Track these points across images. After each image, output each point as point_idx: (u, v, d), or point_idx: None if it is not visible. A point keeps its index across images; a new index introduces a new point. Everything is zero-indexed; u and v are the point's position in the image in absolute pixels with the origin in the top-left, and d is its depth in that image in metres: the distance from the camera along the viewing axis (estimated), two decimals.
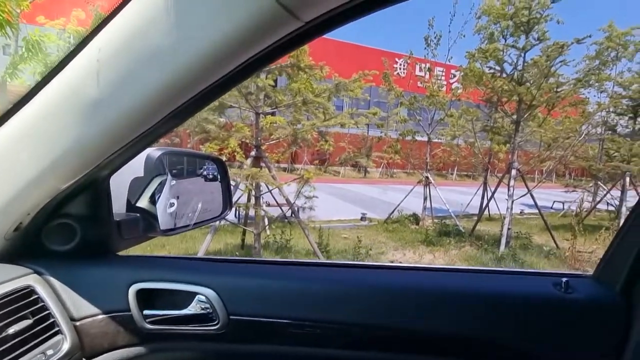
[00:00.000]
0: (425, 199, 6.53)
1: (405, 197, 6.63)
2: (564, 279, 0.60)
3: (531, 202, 5.62)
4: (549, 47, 4.05)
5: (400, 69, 14.80)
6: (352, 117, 4.83)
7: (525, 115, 4.50)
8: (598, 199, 8.16)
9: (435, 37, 5.68)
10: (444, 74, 9.55)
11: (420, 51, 6.17)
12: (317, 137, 4.85)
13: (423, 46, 5.88)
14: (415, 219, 6.78)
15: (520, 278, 0.68)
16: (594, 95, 6.71)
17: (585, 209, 7.66)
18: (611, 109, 6.45)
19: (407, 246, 5.18)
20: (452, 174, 17.27)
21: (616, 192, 7.21)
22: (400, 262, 4.37)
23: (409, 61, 7.69)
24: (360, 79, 3.70)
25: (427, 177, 6.19)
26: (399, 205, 6.69)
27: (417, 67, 9.03)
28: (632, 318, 0.56)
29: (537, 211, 5.51)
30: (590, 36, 4.04)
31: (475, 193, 8.23)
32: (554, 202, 9.43)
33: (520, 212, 8.65)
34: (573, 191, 8.18)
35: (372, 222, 6.90)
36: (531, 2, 4.11)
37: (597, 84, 6.45)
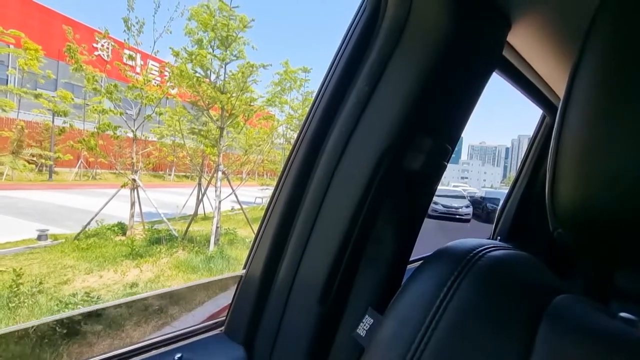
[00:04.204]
0: (133, 204, 5.72)
1: (106, 203, 5.51)
2: (178, 355, 0.50)
3: (242, 199, 6.37)
4: (244, 65, 4.68)
5: (104, 50, 12.41)
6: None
7: (228, 123, 4.97)
8: None
9: (137, 23, 5.04)
10: (158, 68, 8.96)
11: (120, 34, 5.31)
12: None
13: (122, 28, 5.06)
14: (122, 228, 5.81)
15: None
16: (278, 113, 8.73)
17: None
18: (287, 126, 8.58)
19: (107, 265, 4.27)
20: (170, 174, 16.68)
21: None
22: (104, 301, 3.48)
23: (114, 44, 6.55)
24: None
25: (134, 180, 5.44)
26: (97, 214, 5.45)
27: (128, 54, 7.97)
28: None
29: (244, 207, 6.34)
30: (271, 65, 5.04)
31: (191, 194, 8.32)
32: (256, 197, 11.35)
33: (232, 209, 9.69)
34: (266, 189, 10.16)
35: (57, 241, 5.19)
36: (229, 21, 4.55)
37: (279, 105, 8.27)
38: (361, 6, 0.52)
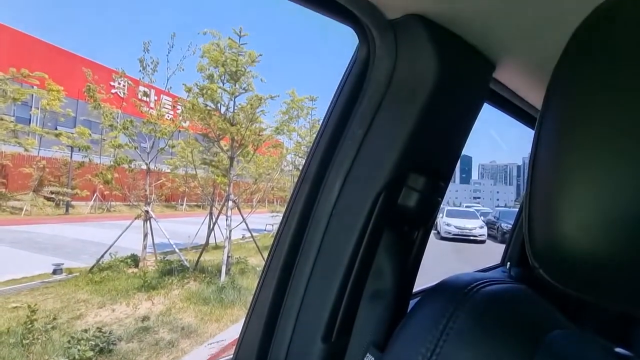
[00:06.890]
0: (145, 235, 5.79)
1: (120, 236, 5.59)
2: None
3: (252, 227, 6.40)
4: (252, 97, 4.88)
5: (120, 88, 13.10)
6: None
7: (238, 152, 5.10)
8: None
9: (152, 63, 5.36)
10: (171, 103, 9.37)
11: (135, 73, 5.64)
12: None
13: (138, 68, 5.38)
14: (134, 260, 5.85)
15: None
16: (286, 141, 8.93)
17: None
18: (294, 153, 8.75)
19: (119, 298, 4.28)
20: (182, 204, 16.91)
21: None
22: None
23: (130, 82, 6.94)
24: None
25: (147, 212, 5.54)
26: (110, 247, 5.52)
27: (143, 90, 8.40)
28: None
29: (255, 235, 6.36)
30: (278, 95, 5.24)
31: (202, 223, 8.38)
32: (266, 225, 11.34)
33: (242, 237, 9.68)
34: (276, 215, 10.18)
35: (72, 275, 5.25)
36: (238, 57, 4.80)
37: (288, 133, 8.46)
38: (353, 57, 0.57)
